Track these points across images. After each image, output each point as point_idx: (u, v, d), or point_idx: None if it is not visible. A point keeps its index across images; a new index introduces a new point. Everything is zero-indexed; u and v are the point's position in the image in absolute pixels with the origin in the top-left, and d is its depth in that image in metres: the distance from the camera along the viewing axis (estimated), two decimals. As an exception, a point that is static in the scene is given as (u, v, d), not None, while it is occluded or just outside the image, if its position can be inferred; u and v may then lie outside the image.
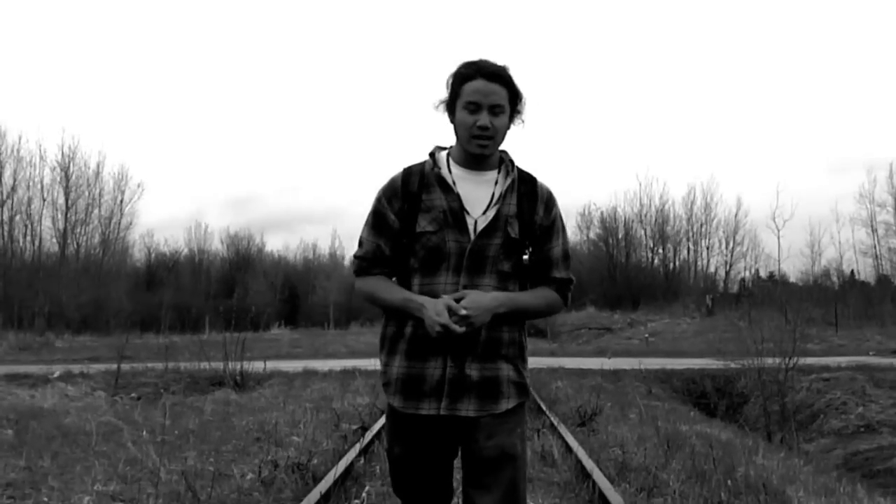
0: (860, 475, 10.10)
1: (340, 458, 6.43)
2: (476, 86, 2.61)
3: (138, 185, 53.29)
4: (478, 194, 2.70)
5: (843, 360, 19.48)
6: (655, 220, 58.63)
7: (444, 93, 2.71)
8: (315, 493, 4.90)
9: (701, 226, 57.99)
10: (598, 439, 7.89)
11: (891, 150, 74.72)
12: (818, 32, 78.99)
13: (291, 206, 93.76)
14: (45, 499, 5.45)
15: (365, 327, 48.17)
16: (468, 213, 2.67)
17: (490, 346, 2.66)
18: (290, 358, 23.05)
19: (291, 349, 28.25)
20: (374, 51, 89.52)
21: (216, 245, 68.09)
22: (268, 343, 27.56)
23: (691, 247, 58.53)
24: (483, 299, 2.58)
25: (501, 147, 2.76)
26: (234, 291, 59.53)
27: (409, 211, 2.70)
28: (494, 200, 2.69)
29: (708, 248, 58.14)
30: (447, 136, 2.81)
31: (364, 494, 5.22)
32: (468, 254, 2.64)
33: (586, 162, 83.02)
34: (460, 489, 2.79)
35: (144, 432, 8.32)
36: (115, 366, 16.33)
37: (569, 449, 6.88)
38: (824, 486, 6.16)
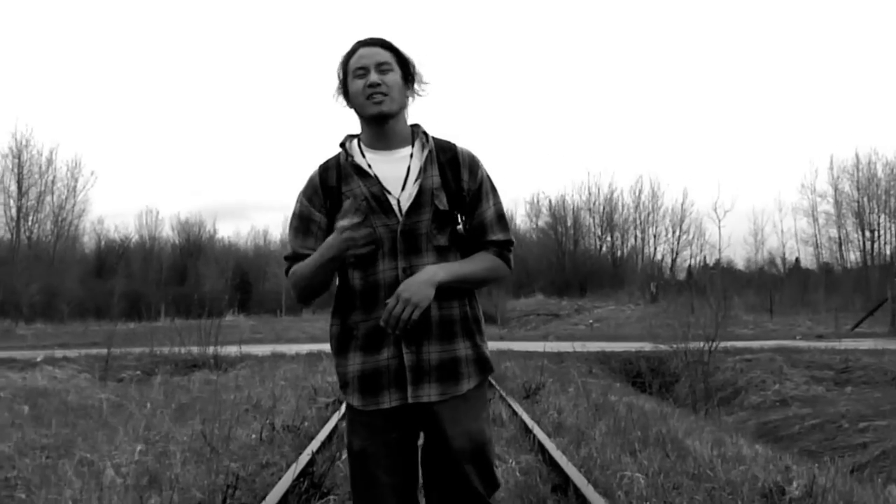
0: (768, 440, 11.61)
1: (325, 422, 7.71)
2: (359, 53, 2.60)
3: (91, 173, 53.43)
4: (395, 173, 2.60)
5: (768, 344, 21.02)
6: (604, 208, 59.74)
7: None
8: (315, 443, 6.17)
9: (648, 214, 59.03)
10: (539, 407, 9.19)
11: (831, 141, 77.48)
12: (763, 28, 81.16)
13: (242, 193, 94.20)
14: (88, 455, 6.50)
15: (317, 314, 48.99)
16: (389, 193, 2.57)
17: (444, 325, 2.57)
18: (254, 342, 24.08)
19: (253, 335, 29.01)
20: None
21: (167, 232, 67.97)
22: (228, 329, 28.11)
23: (638, 235, 59.57)
24: (416, 277, 2.49)
25: (414, 121, 2.73)
26: (186, 279, 59.90)
27: (332, 206, 2.63)
28: (415, 176, 2.59)
29: (655, 237, 59.22)
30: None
31: (351, 447, 6.44)
32: (400, 235, 2.55)
33: (537, 153, 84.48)
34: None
35: (148, 405, 9.44)
36: (91, 351, 17.57)
37: (515, 413, 8.25)
38: (717, 439, 7.61)
